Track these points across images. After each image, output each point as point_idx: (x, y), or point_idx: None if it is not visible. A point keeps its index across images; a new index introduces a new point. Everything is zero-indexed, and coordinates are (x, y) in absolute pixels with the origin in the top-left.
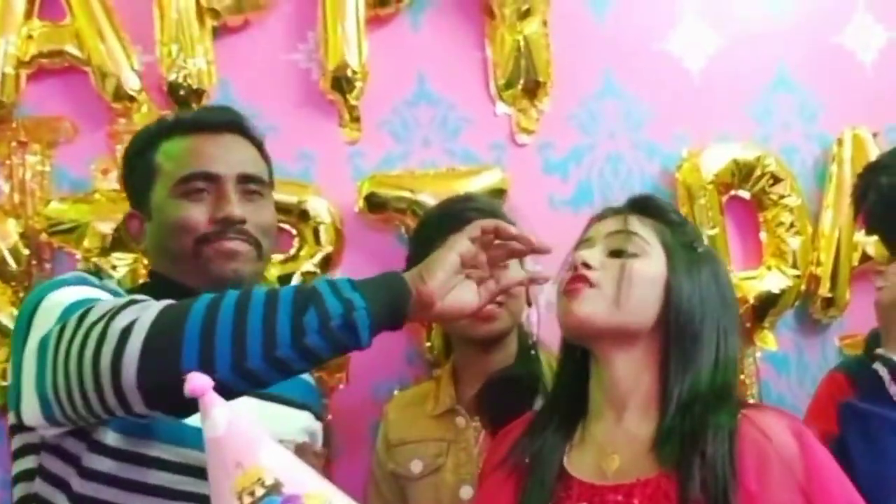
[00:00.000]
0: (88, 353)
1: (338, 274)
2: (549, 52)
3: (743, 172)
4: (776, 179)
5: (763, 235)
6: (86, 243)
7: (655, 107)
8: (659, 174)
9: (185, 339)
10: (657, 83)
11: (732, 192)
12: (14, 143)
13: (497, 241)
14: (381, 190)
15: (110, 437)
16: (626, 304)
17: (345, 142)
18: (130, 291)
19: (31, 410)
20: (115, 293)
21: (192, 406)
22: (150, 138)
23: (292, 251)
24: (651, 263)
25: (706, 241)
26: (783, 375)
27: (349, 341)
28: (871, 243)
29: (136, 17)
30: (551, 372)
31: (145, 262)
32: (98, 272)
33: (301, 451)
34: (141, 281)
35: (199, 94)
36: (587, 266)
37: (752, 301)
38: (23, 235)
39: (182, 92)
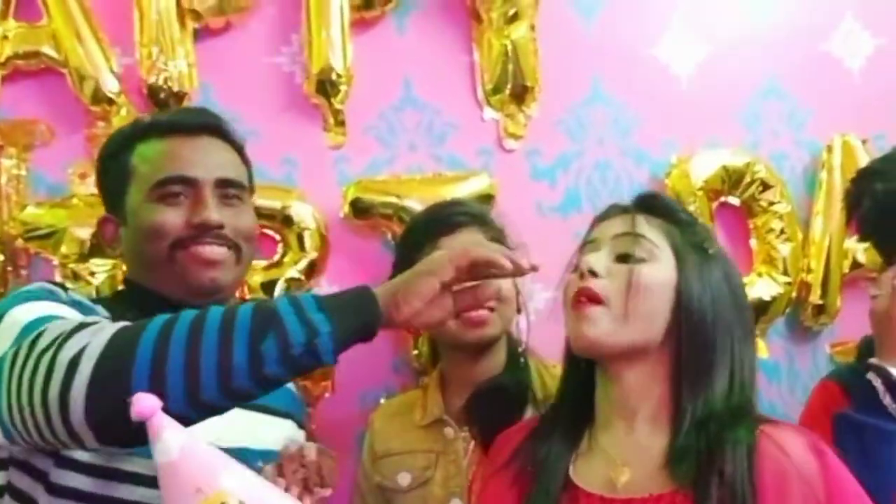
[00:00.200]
0: (38, 384)
1: (322, 281)
2: (536, 57)
3: (732, 179)
4: (766, 186)
5: (753, 242)
6: (63, 249)
7: (644, 113)
8: (648, 181)
9: (134, 371)
10: (646, 89)
11: (722, 199)
12: None
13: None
14: (366, 195)
15: (80, 454)
16: (635, 320)
17: (329, 146)
18: (106, 300)
19: None
20: (80, 306)
21: (140, 438)
22: (125, 140)
23: (276, 257)
24: (660, 268)
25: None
26: (774, 383)
27: (311, 365)
28: (861, 250)
29: (115, 17)
30: (541, 380)
31: (124, 268)
32: (63, 285)
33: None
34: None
35: (179, 97)
36: (594, 274)
37: None
38: None
39: (162, 95)
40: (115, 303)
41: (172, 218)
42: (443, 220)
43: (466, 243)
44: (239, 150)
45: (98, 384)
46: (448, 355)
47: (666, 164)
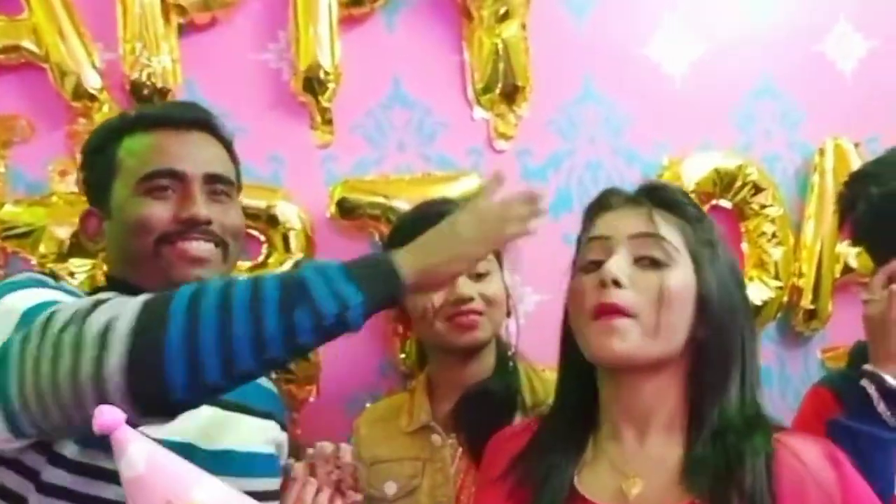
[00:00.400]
0: (64, 363)
1: None
2: (527, 56)
3: (724, 182)
4: (758, 189)
5: (745, 246)
6: (42, 248)
7: (636, 113)
8: (639, 181)
9: (167, 345)
10: (638, 89)
11: (714, 202)
12: None
13: None
14: (353, 195)
15: (69, 450)
16: (665, 333)
17: (316, 145)
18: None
19: None
20: (73, 294)
21: (179, 410)
22: (111, 133)
23: (260, 258)
24: (682, 273)
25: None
26: (765, 388)
27: (340, 334)
28: (853, 255)
29: (97, 12)
30: (530, 384)
31: (105, 268)
32: (53, 274)
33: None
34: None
35: (163, 93)
36: (617, 283)
37: None
38: None
39: (145, 91)
40: None
41: (159, 212)
42: (432, 219)
43: None
44: (228, 146)
45: (134, 360)
46: (436, 359)
47: (657, 164)
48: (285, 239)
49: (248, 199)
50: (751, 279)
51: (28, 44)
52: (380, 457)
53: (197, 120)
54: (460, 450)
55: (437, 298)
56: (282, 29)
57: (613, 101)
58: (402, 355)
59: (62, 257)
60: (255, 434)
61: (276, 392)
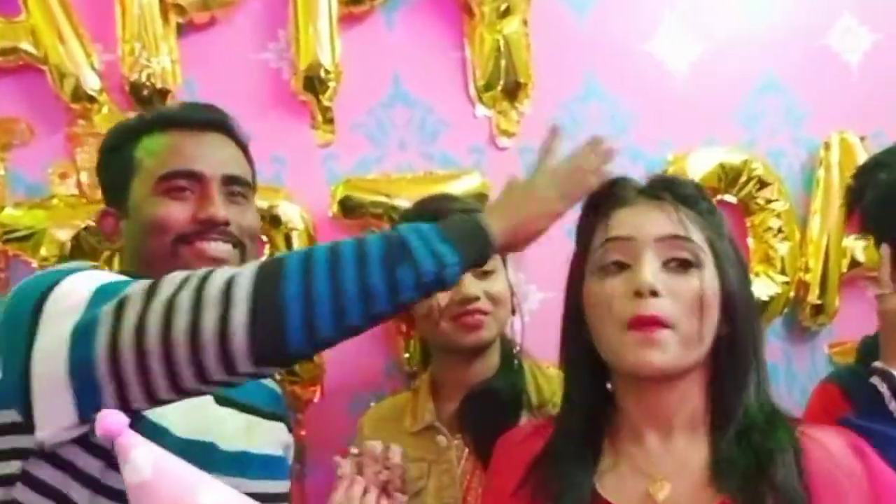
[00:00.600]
0: (181, 321)
1: None
2: (529, 53)
3: (729, 177)
4: (763, 184)
5: (750, 241)
6: (42, 251)
7: (639, 109)
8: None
9: (287, 301)
10: (641, 85)
11: (719, 197)
12: None
13: None
14: (355, 194)
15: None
16: (702, 340)
17: (318, 144)
18: None
19: (54, 406)
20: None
21: (290, 362)
22: (129, 133)
23: (263, 258)
24: (709, 275)
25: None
26: (772, 385)
27: (438, 290)
28: (860, 248)
29: (96, 13)
30: (535, 382)
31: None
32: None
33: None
34: None
35: (163, 94)
36: (654, 293)
37: None
38: None
39: (145, 92)
40: None
41: (177, 212)
42: (436, 214)
43: None
44: (244, 147)
45: (257, 315)
46: (440, 358)
47: (662, 161)
48: (288, 239)
49: None
50: (757, 274)
51: (26, 45)
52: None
53: (214, 121)
54: (466, 450)
55: (443, 298)
56: (281, 28)
57: (616, 97)
58: (406, 355)
59: (63, 260)
60: (267, 436)
61: (279, 393)
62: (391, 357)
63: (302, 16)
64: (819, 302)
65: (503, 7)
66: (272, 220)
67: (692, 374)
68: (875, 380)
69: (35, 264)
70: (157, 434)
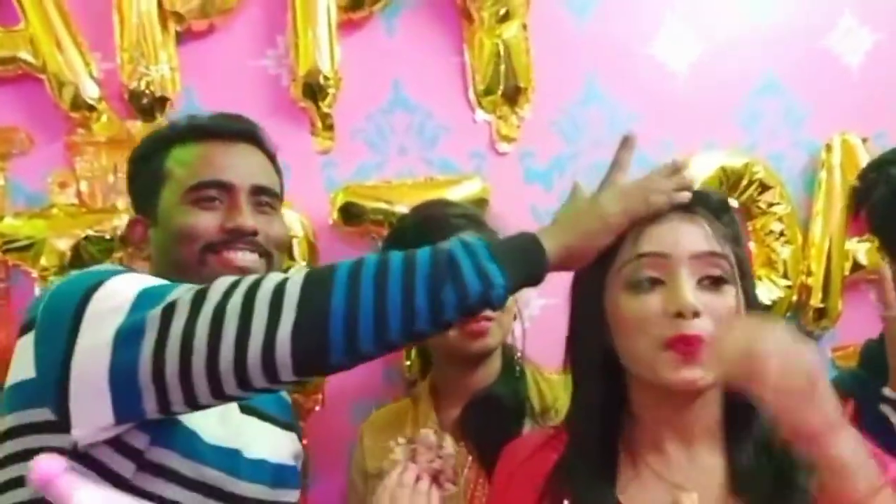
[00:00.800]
0: (229, 332)
1: None
2: (529, 57)
3: (731, 180)
4: (765, 187)
5: (752, 245)
6: (43, 261)
7: (640, 113)
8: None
9: (331, 314)
10: (641, 88)
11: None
12: None
13: None
14: (356, 201)
15: (140, 441)
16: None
17: (317, 151)
18: None
19: (92, 407)
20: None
21: (329, 372)
22: (160, 142)
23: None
24: (736, 288)
25: None
26: None
27: (481, 311)
28: (862, 251)
29: (94, 21)
30: (537, 388)
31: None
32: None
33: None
34: None
35: (162, 102)
36: (696, 314)
37: None
38: None
39: (144, 100)
40: None
41: (206, 221)
42: (439, 219)
43: None
44: (272, 158)
45: (302, 325)
46: (442, 365)
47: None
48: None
49: None
50: (759, 279)
51: (25, 55)
52: (386, 468)
53: (244, 132)
54: (470, 458)
55: None
56: (280, 34)
57: (617, 101)
58: (408, 362)
59: (63, 270)
60: (283, 445)
61: (290, 403)
62: (391, 365)
63: (301, 22)
64: (822, 306)
65: (502, 12)
66: None
67: (713, 386)
68: (885, 408)
69: (35, 274)
70: (190, 439)
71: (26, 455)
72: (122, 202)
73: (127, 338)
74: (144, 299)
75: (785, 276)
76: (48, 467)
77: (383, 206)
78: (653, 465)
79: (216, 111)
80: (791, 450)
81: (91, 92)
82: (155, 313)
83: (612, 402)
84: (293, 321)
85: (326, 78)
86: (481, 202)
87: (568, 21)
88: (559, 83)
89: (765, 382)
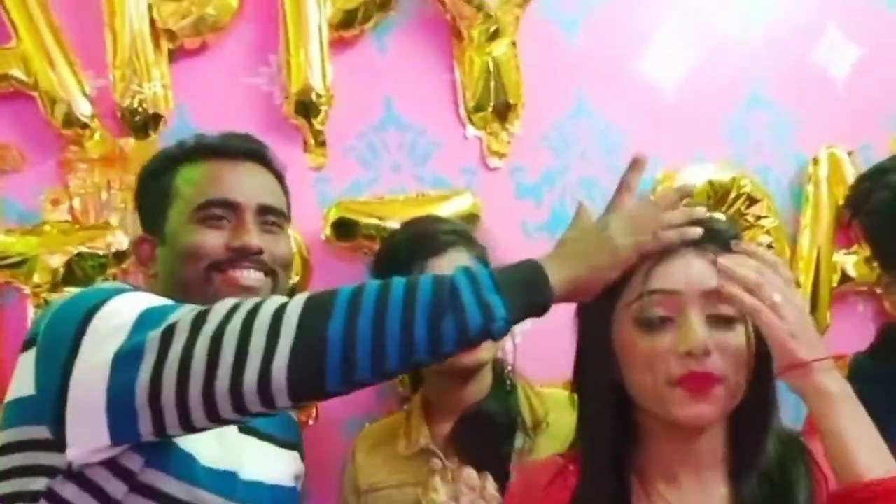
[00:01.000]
0: (226, 359)
1: None
2: (518, 74)
3: (719, 194)
4: (752, 200)
5: None
6: (35, 278)
7: (629, 127)
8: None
9: (329, 345)
10: (630, 103)
11: (709, 213)
12: None
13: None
14: (348, 217)
15: (134, 463)
16: (743, 388)
17: (310, 168)
18: None
19: (87, 428)
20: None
21: (325, 398)
22: (168, 161)
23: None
24: (746, 325)
25: None
26: None
27: (481, 343)
28: (850, 263)
29: (86, 39)
30: (528, 403)
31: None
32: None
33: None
34: None
35: (155, 119)
36: (708, 353)
37: None
38: None
39: (137, 118)
40: None
41: (212, 240)
42: (430, 236)
43: (454, 262)
44: (279, 177)
45: (298, 353)
46: (433, 380)
47: (651, 178)
48: None
49: None
50: None
51: (17, 72)
52: (377, 484)
53: (252, 151)
54: None
55: None
56: (273, 52)
57: (606, 115)
58: (399, 377)
59: (56, 287)
60: (282, 466)
61: (295, 420)
62: None
63: (293, 40)
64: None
65: (492, 30)
66: None
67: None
68: None
69: (27, 291)
70: (185, 461)
71: (21, 472)
72: (115, 219)
73: (126, 359)
74: (146, 320)
75: None
76: None
77: (375, 221)
78: (665, 495)
79: (209, 129)
80: (789, 473)
81: (83, 109)
82: (155, 335)
83: (621, 432)
84: (290, 348)
85: (319, 95)
86: (472, 217)
87: (557, 38)
88: (548, 99)
89: (767, 311)
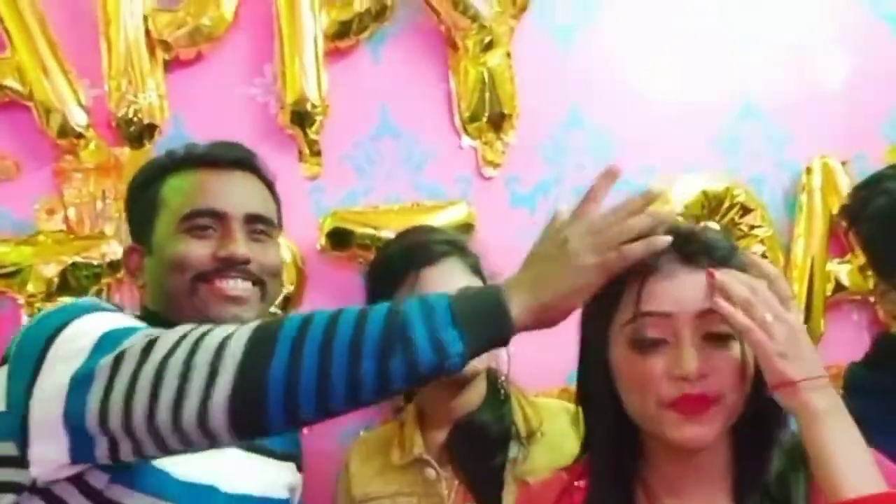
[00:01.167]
0: (166, 395)
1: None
2: (513, 84)
3: (713, 204)
4: (746, 210)
5: None
6: (29, 288)
7: (623, 138)
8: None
9: (270, 386)
10: (624, 114)
11: (703, 224)
12: None
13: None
14: (343, 226)
15: (98, 480)
16: (742, 406)
17: (305, 177)
18: None
19: (49, 448)
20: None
21: (271, 434)
22: (156, 171)
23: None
24: (742, 343)
25: None
26: None
27: (433, 379)
28: (844, 272)
29: (82, 49)
30: (522, 412)
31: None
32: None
33: None
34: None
35: (150, 129)
36: (702, 376)
37: None
38: None
39: (132, 128)
40: None
41: (198, 250)
42: (424, 246)
43: (448, 272)
44: (269, 186)
45: (238, 393)
46: (427, 389)
47: (645, 188)
48: None
49: None
50: None
51: (12, 82)
52: (372, 494)
53: (240, 160)
54: (457, 483)
55: None
56: (268, 63)
57: (600, 126)
58: None
59: (50, 297)
60: (273, 478)
61: (296, 432)
62: None
63: (288, 50)
64: (804, 327)
65: (487, 40)
66: None
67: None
68: None
69: (21, 300)
70: (158, 477)
71: None
72: (110, 229)
73: (80, 385)
74: (105, 343)
75: None
76: None
77: (370, 231)
78: None
79: (204, 139)
80: (789, 486)
81: (79, 119)
82: (106, 362)
83: (625, 446)
84: (231, 386)
85: (314, 105)
86: (467, 227)
87: (551, 49)
88: (543, 109)
89: (758, 331)
